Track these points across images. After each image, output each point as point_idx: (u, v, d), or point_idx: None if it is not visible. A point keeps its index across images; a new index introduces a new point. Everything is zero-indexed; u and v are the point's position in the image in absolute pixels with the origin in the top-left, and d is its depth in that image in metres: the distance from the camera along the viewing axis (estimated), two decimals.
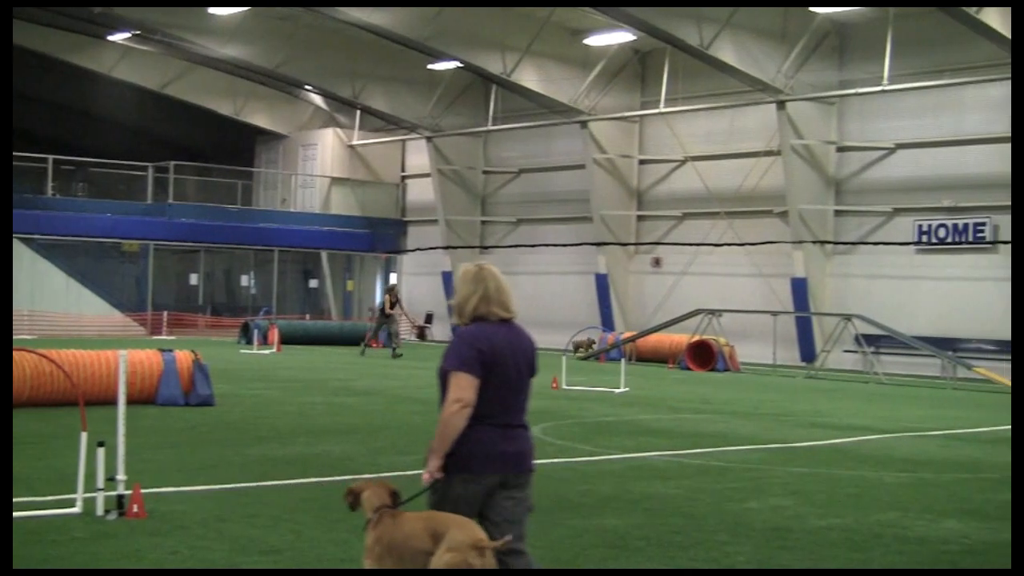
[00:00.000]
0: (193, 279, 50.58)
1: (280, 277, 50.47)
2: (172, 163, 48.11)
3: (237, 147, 54.45)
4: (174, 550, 8.95)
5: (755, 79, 36.38)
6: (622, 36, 39.31)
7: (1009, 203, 34.21)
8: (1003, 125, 34.39)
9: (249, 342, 38.62)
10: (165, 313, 44.97)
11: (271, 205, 52.44)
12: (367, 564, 6.69)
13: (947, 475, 14.26)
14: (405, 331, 48.95)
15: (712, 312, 35.56)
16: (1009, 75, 33.17)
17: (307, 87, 49.95)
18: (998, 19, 30.32)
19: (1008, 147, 34.28)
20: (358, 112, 50.61)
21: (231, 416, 18.24)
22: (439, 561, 6.27)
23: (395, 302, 37.31)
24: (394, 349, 36.05)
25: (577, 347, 37.53)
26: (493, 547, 6.34)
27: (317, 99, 52.99)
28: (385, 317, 37.44)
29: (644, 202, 44.12)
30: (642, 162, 44.11)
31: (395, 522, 6.64)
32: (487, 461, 6.56)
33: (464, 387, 6.43)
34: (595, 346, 38.23)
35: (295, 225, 50.24)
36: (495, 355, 6.55)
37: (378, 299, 52.37)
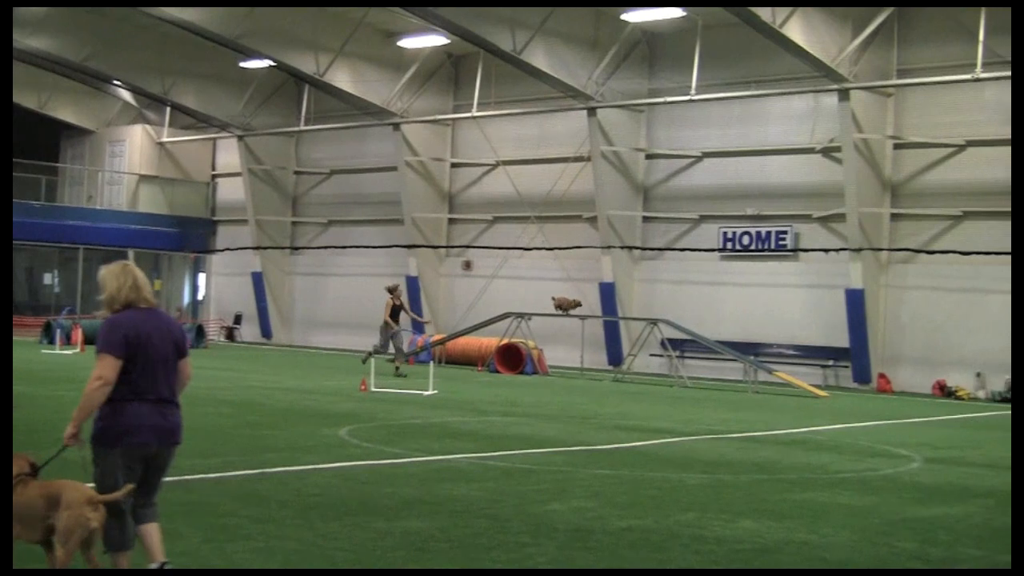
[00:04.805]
0: None
1: (85, 275, 49.27)
2: None
3: (41, 142, 53.02)
4: None
5: (567, 85, 36.79)
6: (435, 39, 39.41)
7: (810, 213, 35.26)
8: (805, 136, 35.43)
9: (51, 342, 37.71)
10: None
11: (76, 202, 51.22)
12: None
13: (745, 476, 14.59)
14: (214, 331, 48.34)
15: (521, 315, 35.80)
16: (810, 89, 34.28)
17: (115, 82, 48.90)
18: (800, 34, 31.19)
19: (809, 158, 35.47)
20: (168, 109, 49.80)
21: (28, 418, 17.73)
22: (60, 522, 7.03)
23: (399, 305, 32.43)
24: (378, 354, 31.40)
25: (559, 305, 36.85)
26: (104, 501, 7.16)
27: (126, 94, 51.99)
28: (393, 324, 32.02)
29: (455, 205, 44.26)
30: (454, 165, 44.25)
31: (22, 491, 7.29)
32: (144, 433, 7.33)
33: (106, 366, 7.16)
34: (579, 307, 36.94)
35: (101, 223, 49.14)
36: (141, 338, 7.25)
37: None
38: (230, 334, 49.56)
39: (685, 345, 35.78)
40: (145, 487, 7.49)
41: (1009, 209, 31.24)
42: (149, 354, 7.29)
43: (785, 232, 35.84)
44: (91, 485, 7.51)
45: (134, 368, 7.23)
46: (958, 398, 31.97)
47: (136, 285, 7.39)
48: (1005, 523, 11.97)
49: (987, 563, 10.00)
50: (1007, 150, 31.54)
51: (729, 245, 36.85)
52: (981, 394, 32.15)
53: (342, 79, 41.32)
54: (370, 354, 30.36)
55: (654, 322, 34.29)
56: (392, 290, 32.63)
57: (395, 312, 32.14)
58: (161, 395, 7.41)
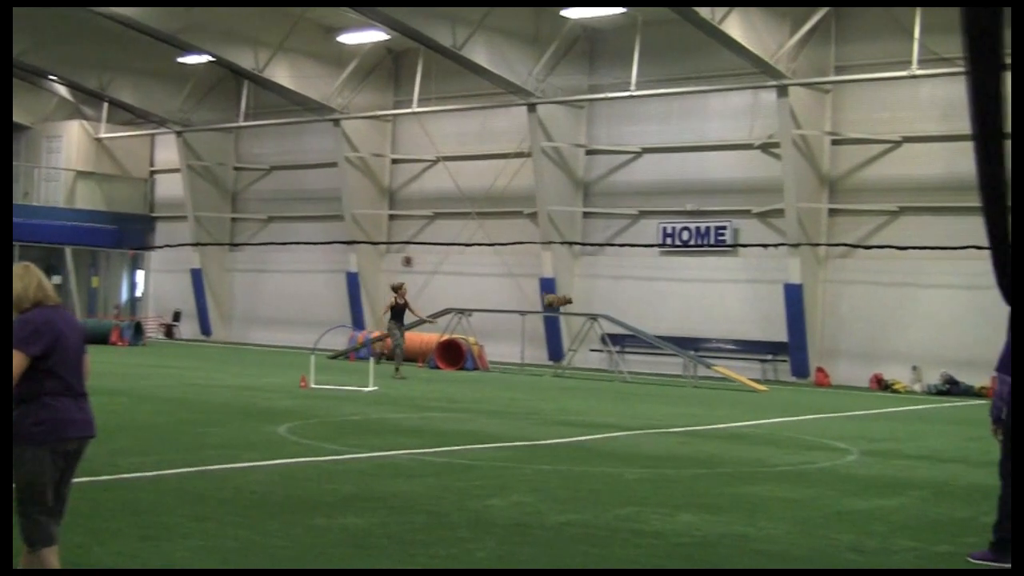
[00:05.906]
0: None
1: None
2: None
3: None
4: None
5: (507, 81, 36.80)
6: (376, 35, 39.28)
7: (749, 208, 35.46)
8: (744, 132, 35.66)
9: None
10: None
11: (12, 198, 50.64)
12: None
13: (685, 471, 14.67)
14: (153, 329, 47.99)
15: (462, 311, 35.80)
16: (749, 85, 34.48)
17: (52, 77, 48.43)
18: (739, 31, 31.37)
19: (748, 154, 35.67)
20: (105, 104, 49.35)
21: None
22: None
23: (403, 304, 30.54)
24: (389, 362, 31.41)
25: (550, 303, 36.62)
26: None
27: (62, 90, 51.46)
28: (399, 323, 30.61)
29: (396, 201, 44.18)
30: (394, 161, 44.16)
31: None
32: (70, 428, 7.28)
33: (13, 363, 7.06)
34: (571, 303, 36.82)
35: (38, 219, 48.50)
36: (57, 334, 7.27)
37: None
38: (169, 331, 49.24)
39: (625, 340, 35.90)
40: (64, 486, 7.41)
41: (945, 204, 31.88)
42: (67, 350, 7.32)
43: (724, 227, 36.04)
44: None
45: (51, 363, 7.21)
46: (895, 391, 32.26)
47: (41, 284, 7.45)
48: (940, 514, 12.13)
49: (922, 554, 10.10)
50: (943, 146, 32.03)
51: (668, 240, 36.99)
52: (917, 387, 32.45)
53: (282, 75, 41.15)
54: (397, 367, 29.87)
55: (594, 317, 34.39)
56: (397, 288, 30.90)
57: (400, 311, 30.52)
58: (79, 390, 7.41)
